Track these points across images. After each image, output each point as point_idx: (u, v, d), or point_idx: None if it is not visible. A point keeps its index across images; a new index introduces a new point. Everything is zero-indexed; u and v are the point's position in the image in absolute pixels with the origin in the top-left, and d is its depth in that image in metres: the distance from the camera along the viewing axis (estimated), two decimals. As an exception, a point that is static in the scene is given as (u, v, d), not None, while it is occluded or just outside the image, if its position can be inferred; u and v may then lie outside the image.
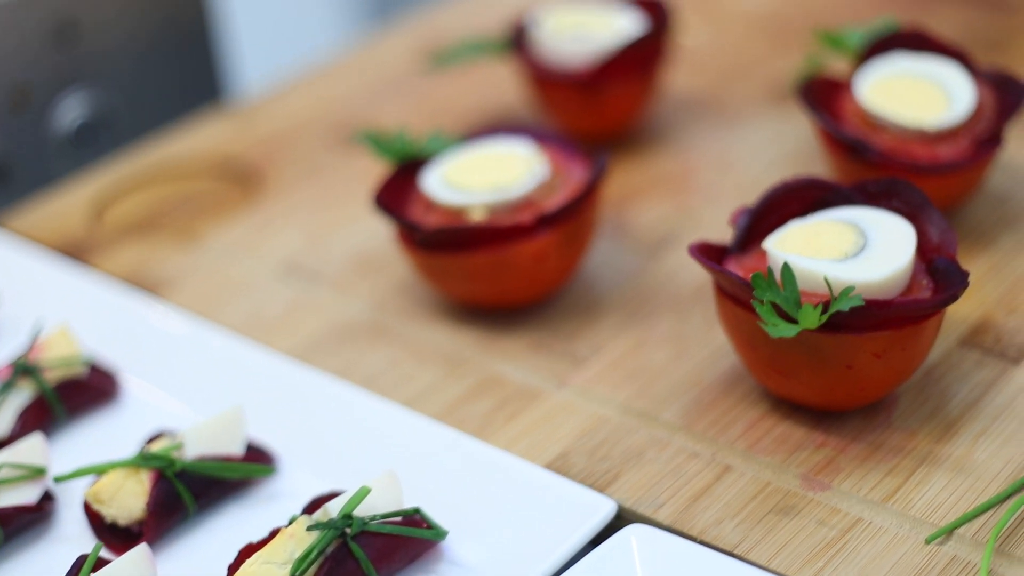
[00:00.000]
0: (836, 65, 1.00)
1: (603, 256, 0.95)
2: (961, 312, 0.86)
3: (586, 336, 0.88)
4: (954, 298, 0.75)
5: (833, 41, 0.96)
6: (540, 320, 0.90)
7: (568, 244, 0.87)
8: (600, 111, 1.03)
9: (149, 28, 1.25)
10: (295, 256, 0.98)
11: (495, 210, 0.87)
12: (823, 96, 0.94)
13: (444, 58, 1.07)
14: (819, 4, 1.22)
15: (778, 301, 0.75)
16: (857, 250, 0.77)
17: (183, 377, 0.89)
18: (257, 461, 0.81)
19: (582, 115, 1.03)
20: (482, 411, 0.84)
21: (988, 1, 1.19)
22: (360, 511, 0.73)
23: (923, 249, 0.80)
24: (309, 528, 0.72)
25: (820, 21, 1.14)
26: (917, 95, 0.91)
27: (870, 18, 1.05)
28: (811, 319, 0.73)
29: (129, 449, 0.83)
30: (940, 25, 1.11)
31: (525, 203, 0.87)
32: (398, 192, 0.91)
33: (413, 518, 0.74)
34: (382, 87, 1.17)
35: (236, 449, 0.81)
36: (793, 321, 0.74)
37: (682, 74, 1.13)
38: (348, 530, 0.72)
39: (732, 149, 1.04)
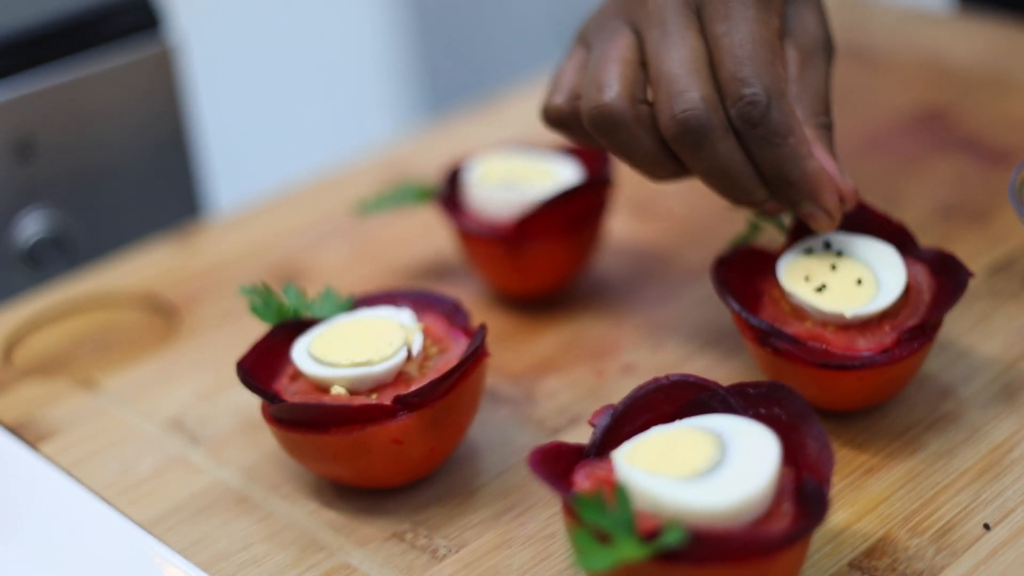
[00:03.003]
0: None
1: (494, 434, 0.89)
2: (863, 528, 0.78)
3: (452, 528, 0.81)
4: (803, 533, 0.67)
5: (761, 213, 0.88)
6: (408, 505, 0.83)
7: (433, 427, 0.80)
8: (525, 269, 0.96)
9: (117, 149, 1.20)
10: (183, 412, 0.93)
11: (357, 387, 0.80)
12: (757, 268, 0.86)
13: (369, 205, 1.00)
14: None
15: (605, 525, 0.67)
16: (711, 467, 0.69)
17: (28, 539, 0.85)
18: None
19: (507, 272, 0.96)
20: (320, 607, 0.76)
21: (989, 154, 1.10)
22: None
23: (799, 465, 0.72)
24: None
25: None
26: (841, 279, 0.83)
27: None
28: (629, 549, 0.65)
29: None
30: (929, 181, 1.04)
31: (394, 380, 0.80)
32: (274, 355, 0.85)
33: None
34: (330, 226, 1.11)
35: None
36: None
37: (635, 226, 1.05)
38: None
39: (669, 320, 0.97)
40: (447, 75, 2.33)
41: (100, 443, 0.91)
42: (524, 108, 1.28)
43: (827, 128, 0.82)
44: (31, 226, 1.20)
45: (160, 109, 1.25)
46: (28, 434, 0.93)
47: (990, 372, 0.88)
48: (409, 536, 0.81)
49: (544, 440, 0.85)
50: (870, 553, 0.76)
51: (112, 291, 1.06)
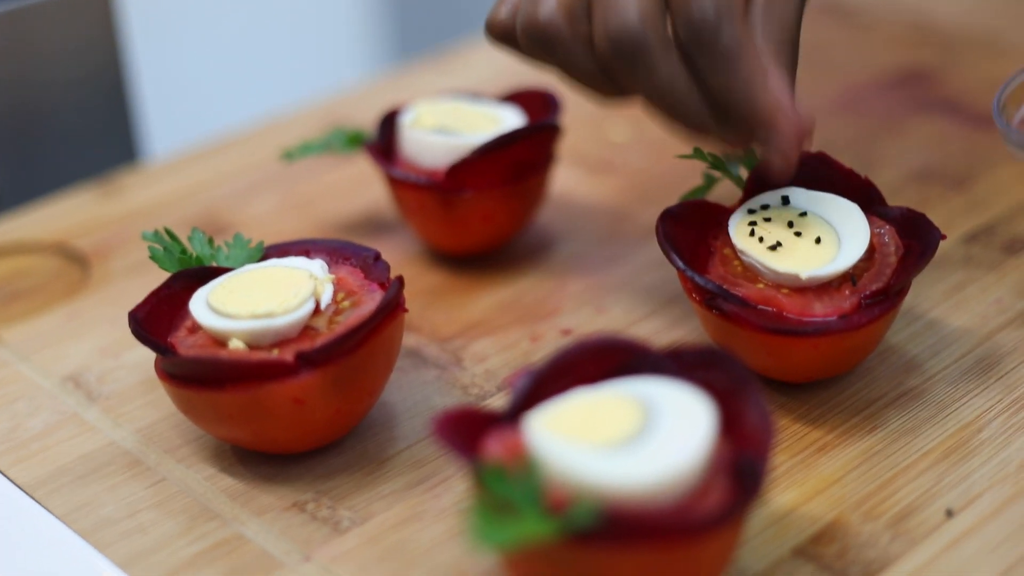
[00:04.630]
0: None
1: (415, 398, 0.81)
2: (812, 510, 0.70)
3: (359, 499, 0.73)
4: (733, 513, 0.59)
5: (717, 163, 0.79)
6: (313, 473, 0.75)
7: (339, 387, 0.72)
8: (459, 222, 0.87)
9: (48, 91, 1.12)
10: (83, 367, 0.85)
11: (257, 341, 0.72)
12: (709, 225, 0.78)
13: (294, 151, 0.92)
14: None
15: (509, 497, 0.59)
16: (634, 437, 0.61)
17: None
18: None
19: (439, 225, 0.88)
20: (204, 582, 0.68)
21: (972, 117, 1.02)
22: None
23: (737, 438, 0.63)
24: None
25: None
26: (798, 237, 0.75)
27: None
28: (531, 525, 0.57)
29: None
30: (907, 143, 0.96)
31: (300, 335, 0.72)
32: (173, 306, 0.77)
33: None
34: (260, 176, 1.03)
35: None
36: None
37: (584, 180, 0.97)
38: None
39: (615, 283, 0.89)
40: (417, 25, 2.24)
41: (-9, 398, 0.83)
42: (481, 59, 1.20)
43: (790, 60, 0.74)
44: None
45: (96, 50, 1.16)
46: (-84, 386, 0.85)
47: (962, 346, 0.80)
48: (311, 506, 0.73)
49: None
50: (818, 539, 0.68)
51: (23, 239, 0.98)
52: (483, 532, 0.58)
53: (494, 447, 0.64)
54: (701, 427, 0.62)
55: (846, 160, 0.80)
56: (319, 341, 0.72)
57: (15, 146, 1.13)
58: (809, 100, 1.07)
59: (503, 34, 0.77)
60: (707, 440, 0.62)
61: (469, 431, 0.65)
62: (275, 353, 0.72)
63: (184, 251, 0.79)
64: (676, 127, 0.74)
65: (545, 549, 0.59)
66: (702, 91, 0.72)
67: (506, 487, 0.60)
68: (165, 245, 0.79)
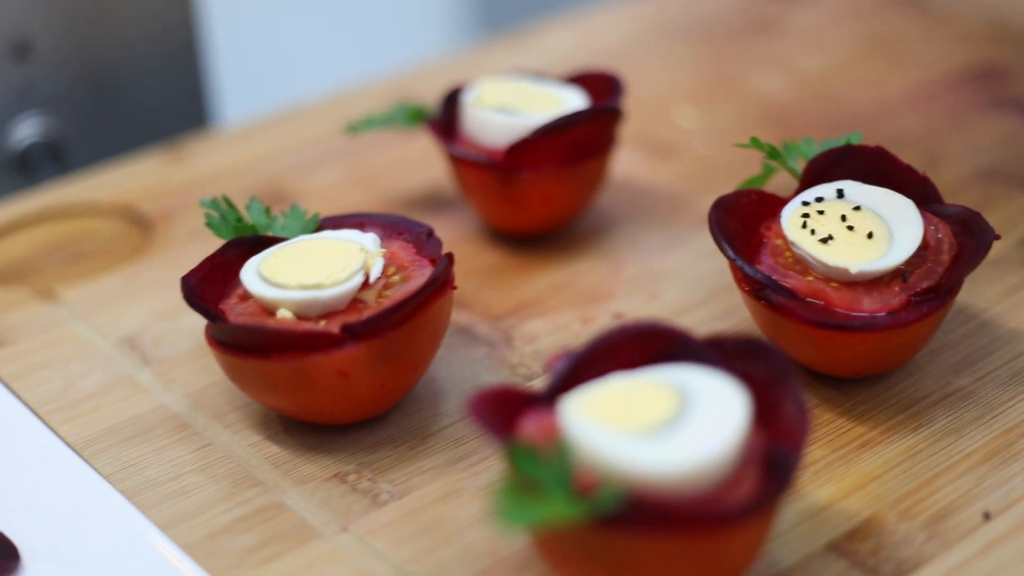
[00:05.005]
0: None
1: (463, 375, 0.81)
2: (849, 506, 0.70)
3: (399, 473, 0.74)
4: (762, 504, 0.59)
5: (774, 153, 0.79)
6: (356, 444, 0.76)
7: (384, 361, 0.72)
8: (518, 201, 0.88)
9: (122, 55, 1.13)
10: (139, 330, 0.86)
11: (304, 311, 0.72)
12: (763, 215, 0.78)
13: (358, 124, 0.93)
14: (844, 101, 1.05)
15: (538, 477, 0.59)
16: (667, 423, 0.61)
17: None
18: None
19: (498, 203, 0.89)
20: (242, 546, 0.71)
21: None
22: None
23: (771, 430, 0.64)
24: None
25: (829, 126, 0.97)
26: (850, 231, 0.74)
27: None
28: (556, 507, 0.58)
29: None
30: (975, 140, 0.95)
31: (348, 307, 0.73)
32: (226, 273, 0.78)
33: None
34: (325, 147, 1.04)
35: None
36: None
37: (646, 164, 0.98)
38: None
39: (670, 269, 0.90)
40: (494, 2, 2.23)
41: (47, 356, 0.85)
42: (552, 40, 1.20)
43: None
44: (25, 130, 1.13)
45: (171, 14, 1.17)
46: (-28, 343, 0.86)
47: (1014, 348, 0.80)
48: (352, 478, 0.74)
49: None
50: (853, 535, 0.68)
51: (90, 201, 1.00)
52: (509, 511, 0.58)
53: (529, 427, 0.65)
54: (735, 417, 0.62)
55: (912, 155, 0.79)
56: (365, 314, 0.73)
57: (89, 107, 1.15)
58: (879, 92, 1.06)
59: None
60: (740, 430, 0.62)
61: (505, 410, 0.65)
62: (322, 324, 0.73)
63: (240, 219, 0.79)
64: None
65: (572, 532, 0.60)
66: None
67: (536, 467, 0.60)
68: (222, 212, 0.80)
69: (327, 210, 0.90)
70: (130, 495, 0.74)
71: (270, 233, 0.80)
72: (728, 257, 0.76)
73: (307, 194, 0.99)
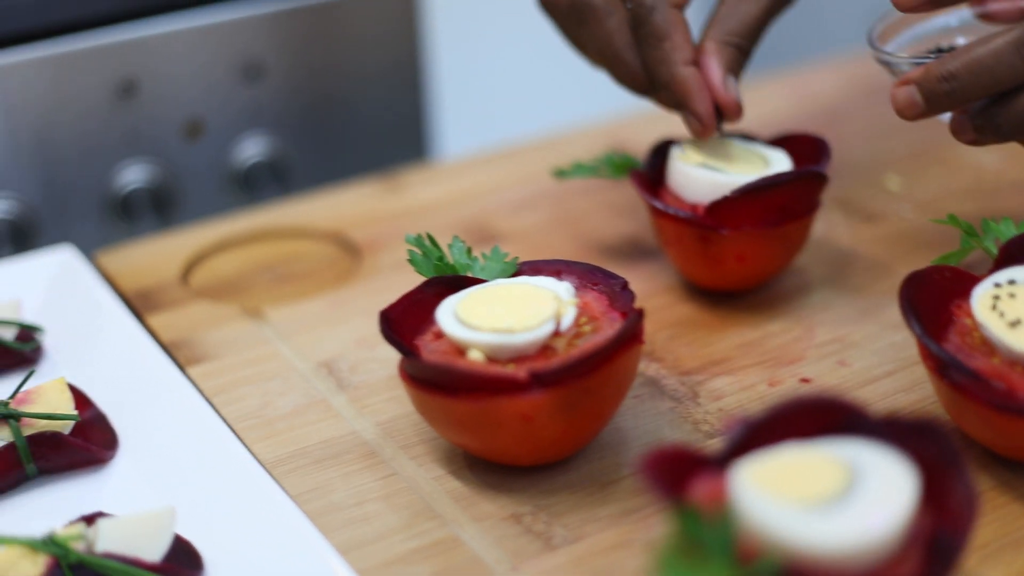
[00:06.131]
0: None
1: (647, 427, 0.83)
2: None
3: (574, 518, 0.76)
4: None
5: (970, 232, 0.80)
6: (536, 487, 0.78)
7: (568, 409, 0.74)
8: (716, 258, 0.89)
9: (347, 82, 1.18)
10: (338, 355, 0.89)
11: (495, 354, 0.75)
12: (955, 292, 0.78)
13: (565, 171, 0.95)
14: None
15: (701, 540, 0.61)
16: (835, 498, 0.62)
17: (166, 461, 0.83)
18: (178, 568, 0.74)
19: (696, 259, 0.90)
20: (416, 577, 0.72)
21: None
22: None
23: (939, 512, 0.64)
24: None
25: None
26: (1042, 317, 0.75)
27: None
28: (715, 570, 0.59)
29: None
30: None
31: (536, 354, 0.75)
32: (423, 310, 0.80)
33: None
34: (534, 188, 1.07)
35: (152, 554, 0.74)
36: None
37: (849, 228, 0.99)
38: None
39: (862, 338, 0.90)
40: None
41: (248, 374, 0.89)
42: (758, 96, 1.21)
43: (738, 49, 0.89)
44: (250, 149, 1.17)
45: (399, 47, 1.21)
46: (181, 354, 0.91)
47: None
48: (527, 519, 0.76)
49: (697, 443, 0.80)
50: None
51: (303, 224, 1.03)
52: (669, 570, 0.60)
53: (699, 489, 0.66)
54: (902, 496, 0.63)
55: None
56: (553, 362, 0.75)
57: (312, 131, 1.19)
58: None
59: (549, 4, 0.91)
60: (907, 510, 0.62)
61: (678, 470, 0.66)
62: (510, 368, 0.75)
63: (442, 258, 0.82)
64: (617, 79, 0.91)
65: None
66: (640, 58, 0.89)
67: (700, 530, 0.61)
68: (425, 249, 0.82)
69: (528, 250, 0.93)
70: (313, 516, 0.77)
71: (469, 274, 0.82)
72: (915, 333, 0.76)
73: (511, 233, 1.01)
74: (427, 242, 0.82)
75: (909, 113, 0.82)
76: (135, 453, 0.83)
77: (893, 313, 0.90)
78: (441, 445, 0.81)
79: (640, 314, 0.76)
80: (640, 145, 1.09)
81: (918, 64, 0.82)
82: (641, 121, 1.18)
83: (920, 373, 0.85)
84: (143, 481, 0.81)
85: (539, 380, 0.74)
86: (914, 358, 0.86)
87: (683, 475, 0.66)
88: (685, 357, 0.88)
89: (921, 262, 0.83)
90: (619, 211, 1.03)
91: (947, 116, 0.83)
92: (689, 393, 0.85)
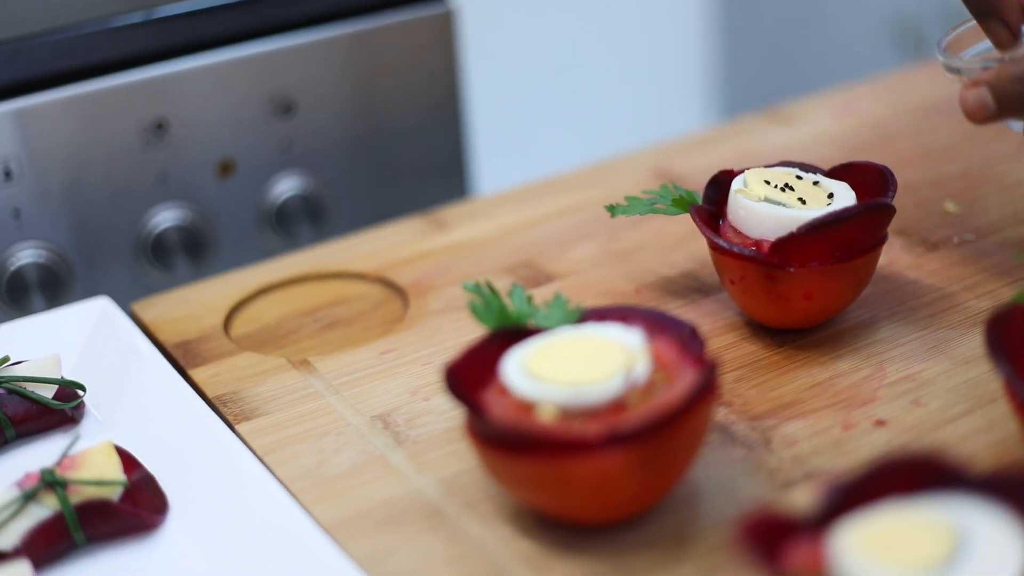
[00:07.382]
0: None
1: (721, 477, 0.79)
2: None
3: (650, 580, 0.72)
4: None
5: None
6: (611, 545, 0.75)
7: (645, 467, 0.71)
8: (781, 297, 0.86)
9: (382, 120, 1.15)
10: (393, 407, 0.86)
11: (569, 412, 0.72)
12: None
13: (618, 208, 0.92)
14: None
15: (809, 615, 0.58)
16: (942, 565, 0.59)
17: (219, 526, 0.79)
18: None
19: (760, 298, 0.87)
20: (485, 649, 0.69)
21: None
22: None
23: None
24: None
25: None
26: None
27: None
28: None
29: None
30: None
31: (608, 408, 0.72)
32: (487, 362, 0.77)
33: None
34: (583, 222, 1.03)
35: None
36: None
37: (916, 260, 0.97)
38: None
39: (936, 375, 0.87)
40: (748, 83, 2.21)
41: (301, 430, 0.86)
42: (810, 118, 1.18)
43: None
44: (284, 186, 1.14)
45: (436, 83, 1.18)
46: (230, 411, 0.88)
47: None
48: (604, 581, 0.72)
49: (774, 493, 0.77)
50: None
51: (345, 266, 1.00)
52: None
53: (796, 557, 0.63)
54: (1011, 563, 0.60)
55: None
56: (629, 419, 0.72)
57: (347, 168, 1.16)
58: None
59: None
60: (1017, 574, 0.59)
61: (773, 535, 0.63)
62: (585, 425, 0.72)
63: (503, 308, 0.79)
64: None
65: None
66: None
67: (807, 603, 0.58)
68: (485, 298, 0.79)
69: (581, 288, 0.91)
70: (379, 584, 0.73)
71: (532, 323, 0.79)
72: (1004, 376, 0.73)
73: (562, 271, 0.98)
74: (487, 290, 0.79)
75: (979, 116, 0.78)
76: (186, 518, 0.80)
77: (964, 347, 0.87)
78: (508, 503, 0.78)
79: (716, 365, 0.73)
80: (685, 172, 1.06)
81: (990, 68, 0.79)
82: (683, 147, 1.15)
83: (999, 412, 0.82)
84: (194, 548, 0.78)
85: (615, 439, 0.70)
86: (991, 395, 0.83)
87: (778, 540, 0.63)
88: (754, 400, 0.84)
89: (987, 291, 0.79)
90: (672, 244, 1.00)
91: (1018, 125, 0.80)
92: (761, 439, 0.81)
